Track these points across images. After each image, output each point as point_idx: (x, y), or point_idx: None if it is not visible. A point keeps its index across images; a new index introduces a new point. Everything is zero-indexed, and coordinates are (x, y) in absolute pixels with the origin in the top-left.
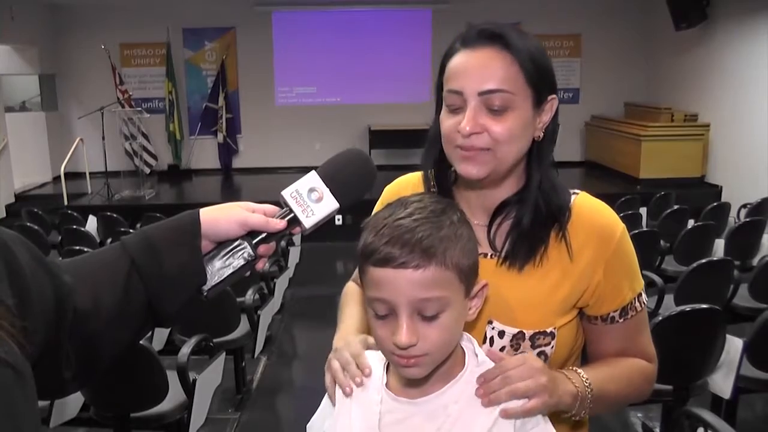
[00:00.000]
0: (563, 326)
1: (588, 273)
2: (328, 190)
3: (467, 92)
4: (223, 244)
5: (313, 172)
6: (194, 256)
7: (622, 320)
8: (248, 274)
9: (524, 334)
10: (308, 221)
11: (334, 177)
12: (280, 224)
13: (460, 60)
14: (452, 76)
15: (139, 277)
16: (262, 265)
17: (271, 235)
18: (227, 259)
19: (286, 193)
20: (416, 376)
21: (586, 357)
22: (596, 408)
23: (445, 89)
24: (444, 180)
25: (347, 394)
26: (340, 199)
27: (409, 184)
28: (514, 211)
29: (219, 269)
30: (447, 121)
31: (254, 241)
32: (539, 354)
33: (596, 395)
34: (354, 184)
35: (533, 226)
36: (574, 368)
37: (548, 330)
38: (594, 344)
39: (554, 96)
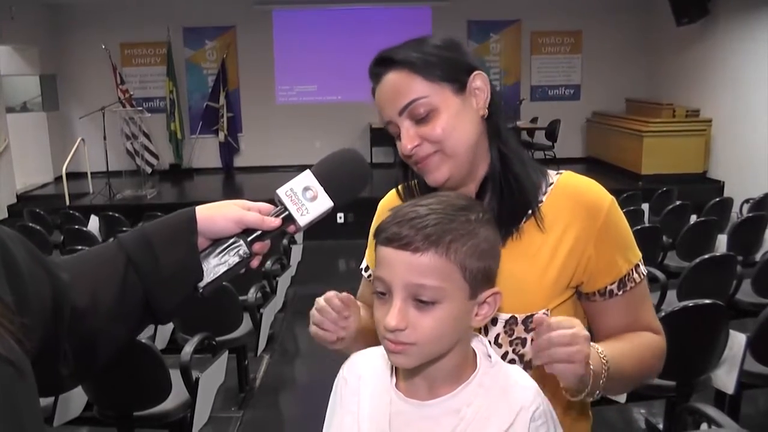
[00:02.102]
0: (556, 307)
1: (578, 251)
2: (322, 188)
3: (392, 117)
4: (218, 242)
5: (307, 171)
6: (191, 253)
7: (621, 293)
8: (243, 271)
9: (516, 318)
10: (303, 219)
11: (328, 176)
12: (275, 222)
13: (377, 95)
14: (380, 111)
15: (136, 275)
16: (257, 263)
17: (266, 233)
18: (223, 256)
19: (281, 192)
20: (402, 365)
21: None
22: (610, 387)
23: (384, 123)
24: (427, 188)
25: (341, 335)
26: (335, 198)
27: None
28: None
29: (214, 266)
30: (398, 147)
31: (249, 239)
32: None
33: (612, 372)
34: (348, 183)
35: (504, 199)
36: (590, 344)
37: (540, 312)
38: (597, 323)
39: (476, 72)
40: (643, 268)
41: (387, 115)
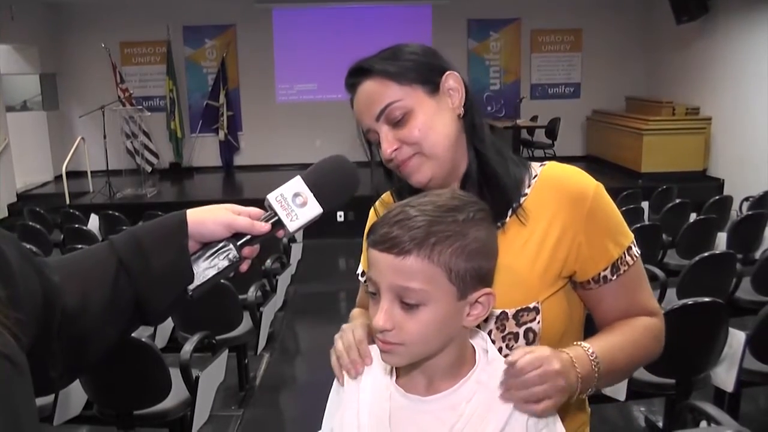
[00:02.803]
0: (547, 299)
1: (566, 240)
2: (312, 195)
3: (370, 124)
4: (208, 245)
5: (298, 177)
6: (182, 256)
7: (615, 277)
8: (232, 275)
9: (507, 314)
10: (292, 225)
11: (318, 182)
12: (265, 227)
13: (355, 105)
14: (359, 121)
15: (127, 277)
16: (246, 267)
17: (256, 238)
18: (212, 260)
19: (272, 197)
20: (392, 363)
21: (593, 331)
22: (606, 382)
23: (364, 133)
24: (413, 190)
25: (352, 377)
26: (324, 205)
27: (388, 198)
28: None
29: (204, 270)
30: (380, 153)
31: (239, 243)
32: (527, 331)
33: (605, 370)
34: (338, 189)
35: (484, 196)
36: (579, 343)
37: (531, 305)
38: (596, 311)
39: (448, 72)
40: (635, 250)
41: (365, 123)
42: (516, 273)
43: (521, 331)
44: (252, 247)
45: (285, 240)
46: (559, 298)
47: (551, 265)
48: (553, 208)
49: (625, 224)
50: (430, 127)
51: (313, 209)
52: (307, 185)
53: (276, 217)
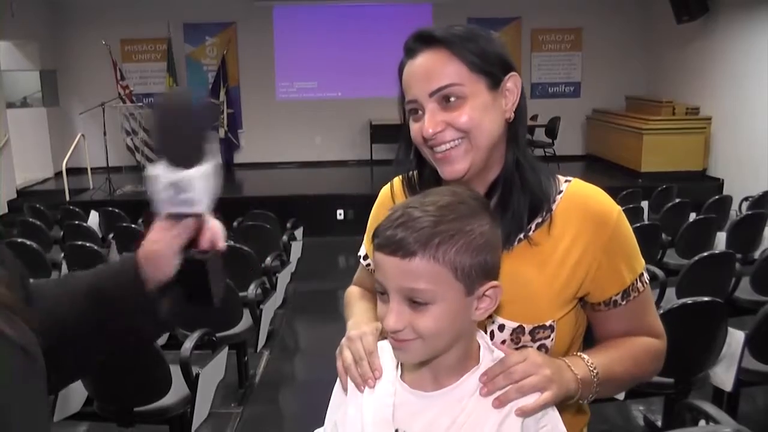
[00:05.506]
0: (562, 318)
1: (585, 261)
2: (181, 170)
3: (420, 97)
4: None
5: (155, 174)
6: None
7: (624, 302)
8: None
9: (524, 328)
10: (199, 206)
11: (170, 155)
12: (189, 226)
13: (407, 71)
14: (406, 88)
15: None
16: (222, 243)
17: (194, 217)
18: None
19: (162, 209)
20: (406, 360)
21: (590, 341)
22: (604, 391)
23: (405, 101)
24: (428, 179)
25: (361, 392)
26: (192, 161)
27: (398, 185)
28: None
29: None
30: (414, 129)
31: (192, 251)
32: (540, 347)
33: (602, 378)
34: (187, 141)
35: (511, 204)
36: (578, 354)
37: (547, 323)
38: (600, 328)
39: (512, 73)
40: (646, 276)
41: (414, 94)
42: (536, 287)
43: (535, 346)
44: (206, 234)
45: (285, 238)
46: (570, 317)
47: (569, 285)
48: (576, 228)
49: (639, 251)
50: (480, 119)
51: (196, 175)
52: (169, 167)
53: (181, 213)
